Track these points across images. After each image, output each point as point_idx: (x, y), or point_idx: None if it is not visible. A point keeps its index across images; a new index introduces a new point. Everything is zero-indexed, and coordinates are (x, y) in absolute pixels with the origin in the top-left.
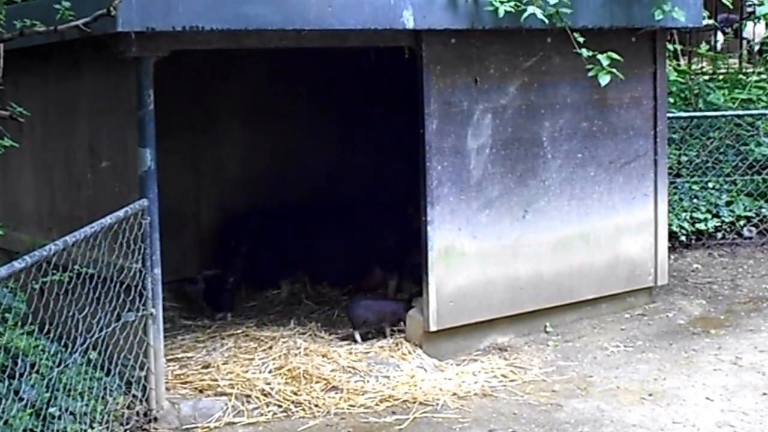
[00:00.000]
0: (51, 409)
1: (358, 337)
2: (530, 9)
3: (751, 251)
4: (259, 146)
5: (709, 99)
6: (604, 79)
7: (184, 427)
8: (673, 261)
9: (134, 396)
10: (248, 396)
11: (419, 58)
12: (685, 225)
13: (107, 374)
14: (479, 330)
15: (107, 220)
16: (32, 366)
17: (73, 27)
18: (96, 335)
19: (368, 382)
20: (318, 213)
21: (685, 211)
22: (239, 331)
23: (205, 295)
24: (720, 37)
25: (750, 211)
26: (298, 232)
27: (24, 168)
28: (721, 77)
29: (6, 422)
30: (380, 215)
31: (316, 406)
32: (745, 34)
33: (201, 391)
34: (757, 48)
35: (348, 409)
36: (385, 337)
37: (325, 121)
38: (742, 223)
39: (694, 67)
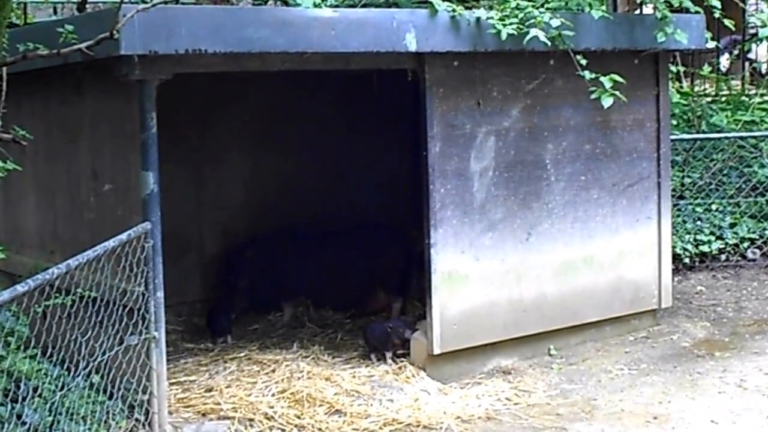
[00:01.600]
0: None
1: (374, 358)
2: (533, 32)
3: (755, 273)
4: (261, 170)
5: (712, 121)
6: (607, 102)
7: None
8: (677, 283)
9: (137, 420)
10: (251, 420)
11: (422, 80)
12: (689, 247)
13: (110, 398)
14: (483, 353)
15: (110, 243)
16: (35, 390)
17: (76, 50)
18: (99, 359)
19: (372, 405)
20: (321, 236)
21: (689, 233)
22: (242, 355)
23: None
24: (724, 59)
25: (754, 233)
26: (300, 255)
27: (26, 191)
28: (723, 99)
29: None
30: (383, 238)
31: (320, 429)
32: (750, 55)
33: (204, 415)
34: (764, 69)
35: None
36: (385, 361)
37: (328, 144)
38: (746, 245)
39: (696, 89)
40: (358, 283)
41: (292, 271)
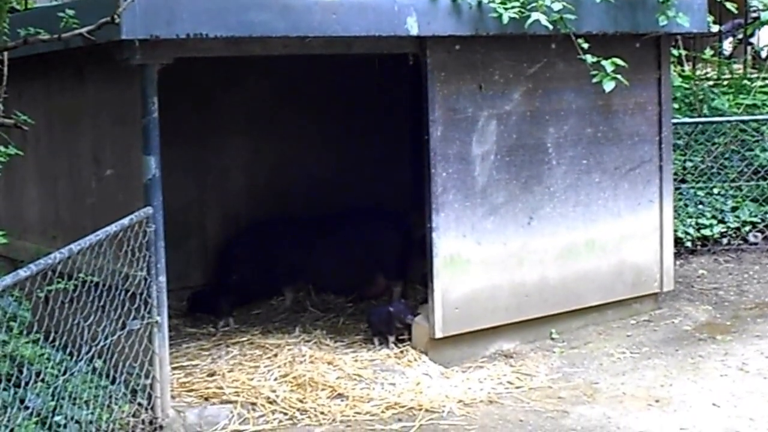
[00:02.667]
0: (56, 418)
1: (377, 342)
2: (534, 15)
3: (756, 257)
4: (262, 155)
5: (713, 104)
6: (609, 85)
7: None
8: (679, 267)
9: (140, 404)
10: (254, 404)
11: (424, 64)
12: (691, 231)
13: (112, 382)
14: (485, 337)
15: (112, 228)
16: (37, 374)
17: (77, 35)
18: (101, 343)
19: (374, 389)
20: (321, 221)
21: (691, 217)
22: (244, 339)
23: (204, 303)
24: (727, 43)
25: (755, 216)
26: (301, 240)
27: (28, 177)
28: (725, 83)
29: (12, 431)
30: (382, 222)
31: (322, 413)
32: (752, 40)
33: (206, 399)
34: (764, 53)
35: (354, 416)
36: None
37: (330, 129)
38: (747, 228)
39: (698, 72)
40: (358, 267)
41: (291, 257)
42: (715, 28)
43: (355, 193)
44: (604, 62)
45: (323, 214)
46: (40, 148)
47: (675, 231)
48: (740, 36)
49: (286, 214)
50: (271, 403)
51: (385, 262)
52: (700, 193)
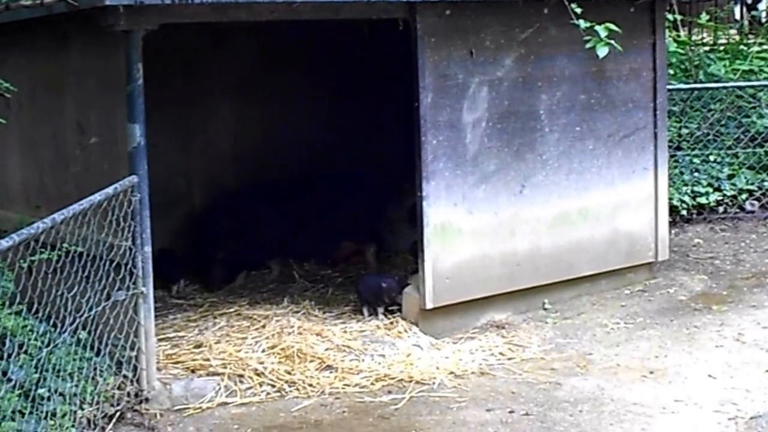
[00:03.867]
0: (40, 390)
1: (366, 312)
2: None
3: (753, 225)
4: (250, 122)
5: (709, 70)
6: (602, 51)
7: (176, 407)
8: (674, 236)
9: (125, 376)
10: (241, 376)
11: (413, 30)
12: (686, 199)
13: (97, 354)
14: (476, 307)
15: (96, 197)
16: (20, 346)
17: (61, 1)
18: (85, 315)
19: (363, 361)
20: (303, 189)
21: (686, 185)
22: (231, 310)
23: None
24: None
25: (752, 184)
26: (283, 210)
27: (11, 145)
28: (722, 48)
29: None
30: (350, 186)
31: (310, 385)
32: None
33: (193, 371)
34: (764, 17)
35: (343, 388)
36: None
37: (320, 94)
38: (744, 196)
39: (694, 38)
40: (323, 232)
41: (276, 225)
42: None
43: (345, 160)
44: (597, 27)
45: (307, 183)
46: (23, 115)
47: (670, 199)
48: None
49: (271, 183)
50: (258, 375)
51: (350, 225)
52: (695, 160)
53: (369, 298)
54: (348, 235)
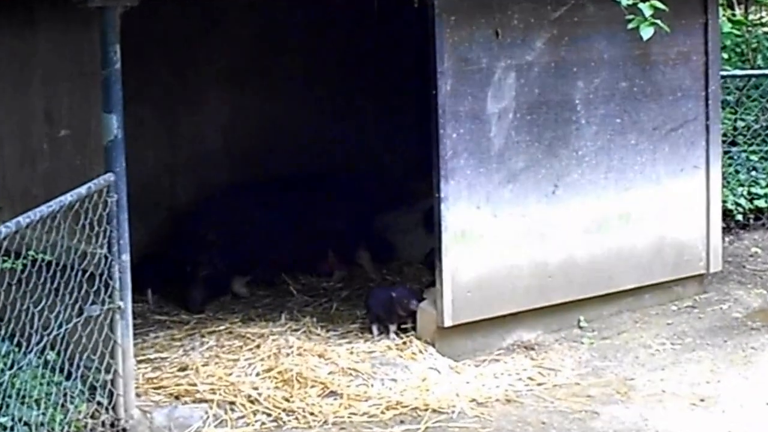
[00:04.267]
0: (2, 419)
1: (375, 331)
2: None
3: None
4: (243, 113)
5: None
6: (647, 32)
7: None
8: (728, 244)
9: (99, 403)
10: (232, 403)
11: (431, 7)
12: (742, 202)
13: (68, 378)
14: (502, 325)
15: (67, 197)
16: None
17: None
18: (54, 332)
19: (372, 386)
20: (302, 190)
21: (742, 185)
22: (222, 328)
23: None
24: None
25: None
26: (276, 214)
27: None
28: None
29: None
30: (339, 188)
31: (312, 414)
32: None
33: (177, 398)
34: None
35: (349, 417)
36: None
37: (321, 85)
38: None
39: (751, 17)
40: (308, 241)
41: (255, 236)
42: None
43: (352, 158)
44: (641, 5)
45: (289, 180)
46: None
47: (724, 202)
48: None
49: (270, 181)
50: (252, 402)
51: (337, 234)
52: (753, 157)
53: (380, 313)
54: (337, 242)
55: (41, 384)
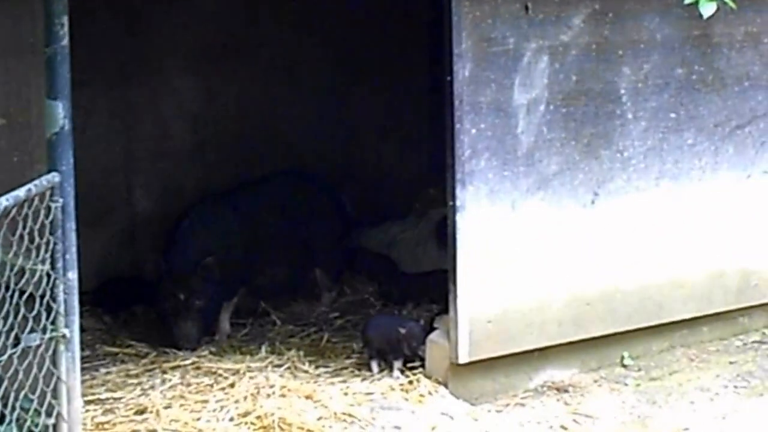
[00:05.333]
0: None
1: (375, 367)
2: None
3: None
4: (217, 101)
5: None
6: (708, 8)
7: None
8: None
9: None
10: None
11: None
12: None
13: (0, 421)
14: (529, 362)
15: (2, 202)
16: None
17: None
18: None
19: None
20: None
21: None
22: (187, 362)
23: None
24: None
25: None
26: (251, 224)
27: None
28: None
29: None
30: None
31: None
32: None
33: None
34: None
35: None
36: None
37: (314, 65)
38: None
39: None
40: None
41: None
42: None
43: (348, 157)
44: None
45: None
46: None
47: None
48: None
49: (249, 183)
50: None
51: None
52: None
53: (382, 345)
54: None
55: None
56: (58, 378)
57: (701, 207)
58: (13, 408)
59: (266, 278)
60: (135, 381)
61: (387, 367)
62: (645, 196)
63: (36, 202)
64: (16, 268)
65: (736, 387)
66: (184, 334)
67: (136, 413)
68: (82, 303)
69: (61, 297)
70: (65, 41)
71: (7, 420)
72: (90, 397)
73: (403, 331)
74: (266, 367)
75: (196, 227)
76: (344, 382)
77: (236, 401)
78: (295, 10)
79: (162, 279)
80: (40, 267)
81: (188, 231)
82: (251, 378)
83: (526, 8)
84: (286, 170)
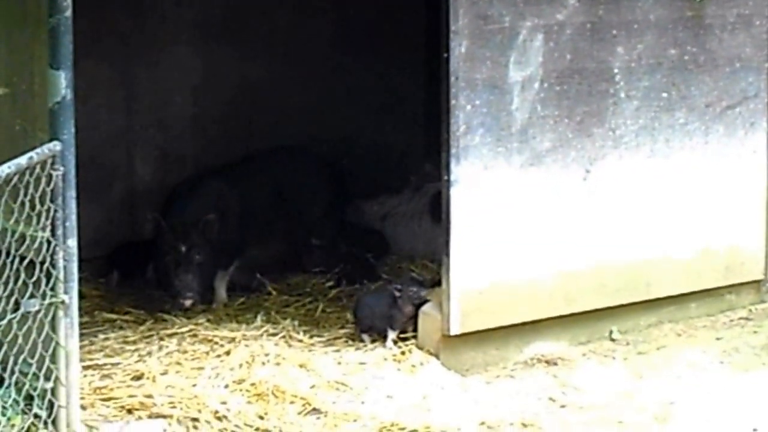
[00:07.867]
0: None
1: (367, 339)
2: None
3: None
4: (217, 72)
5: None
6: None
7: None
8: None
9: (36, 416)
10: (196, 419)
11: None
12: None
13: None
14: (519, 335)
15: (3, 169)
16: None
17: None
18: None
19: (363, 403)
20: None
21: None
22: (185, 330)
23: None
24: None
25: None
26: (254, 196)
27: None
28: None
29: None
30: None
31: None
32: None
33: (130, 412)
34: None
35: None
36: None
37: (313, 40)
38: None
39: None
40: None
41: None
42: None
43: (345, 130)
44: None
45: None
46: None
47: None
48: None
49: (250, 155)
50: (219, 419)
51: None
52: None
53: (374, 321)
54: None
55: None
56: (57, 343)
57: (691, 185)
58: (13, 372)
59: (261, 251)
60: (132, 347)
61: (379, 338)
62: (636, 174)
63: (37, 170)
64: (17, 235)
65: (722, 362)
66: (185, 285)
67: (133, 379)
68: (92, 267)
69: (60, 264)
70: (68, 12)
71: (6, 383)
72: (88, 363)
73: (398, 293)
74: (261, 335)
75: (193, 192)
76: (338, 351)
77: (231, 368)
78: None
79: (162, 234)
80: (40, 234)
81: (186, 193)
82: (246, 346)
83: None
84: (284, 145)
